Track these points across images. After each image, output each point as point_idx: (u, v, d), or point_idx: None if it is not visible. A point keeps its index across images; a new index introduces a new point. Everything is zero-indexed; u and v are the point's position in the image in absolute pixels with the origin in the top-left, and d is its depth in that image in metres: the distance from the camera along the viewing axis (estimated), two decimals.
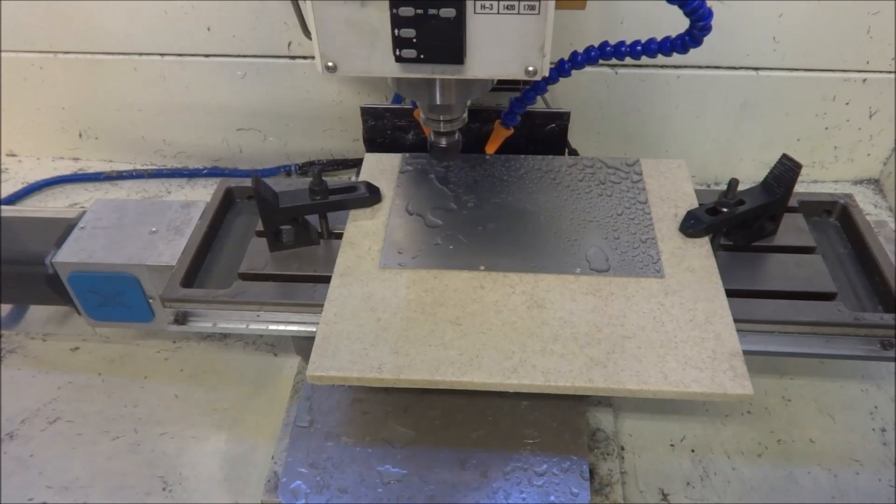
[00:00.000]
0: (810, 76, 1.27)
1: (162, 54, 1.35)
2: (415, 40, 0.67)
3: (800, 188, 0.93)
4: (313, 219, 0.92)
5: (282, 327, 0.88)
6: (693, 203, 0.92)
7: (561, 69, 0.87)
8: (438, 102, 0.80)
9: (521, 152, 1.02)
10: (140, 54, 1.36)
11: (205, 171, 1.51)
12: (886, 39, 1.21)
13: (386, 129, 1.05)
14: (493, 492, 0.84)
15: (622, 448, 0.98)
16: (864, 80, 1.27)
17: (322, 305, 0.79)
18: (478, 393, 0.92)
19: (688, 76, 1.28)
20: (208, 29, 1.30)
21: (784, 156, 0.86)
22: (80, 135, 1.51)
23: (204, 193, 1.46)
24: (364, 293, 0.80)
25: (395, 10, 0.66)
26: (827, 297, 0.85)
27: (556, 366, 0.72)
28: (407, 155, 1.02)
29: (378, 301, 0.79)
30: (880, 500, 0.91)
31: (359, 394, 0.94)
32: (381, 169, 0.99)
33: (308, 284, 0.87)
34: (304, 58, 1.33)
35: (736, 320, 0.76)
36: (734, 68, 1.27)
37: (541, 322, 0.76)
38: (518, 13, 0.66)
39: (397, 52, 0.69)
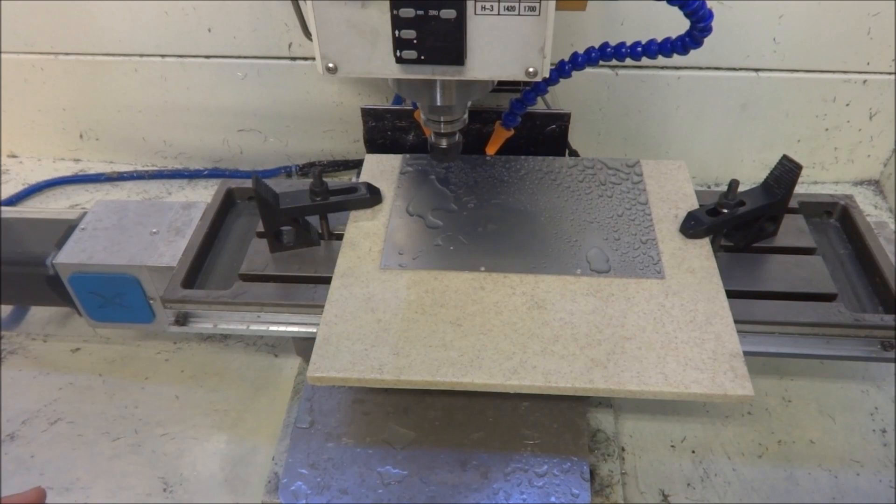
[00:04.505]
0: (810, 77, 1.27)
1: (162, 55, 1.35)
2: (415, 41, 0.68)
3: (800, 189, 0.93)
4: (314, 220, 0.92)
5: (282, 328, 0.88)
6: (693, 204, 0.92)
7: (561, 70, 0.87)
8: (439, 103, 0.80)
9: (521, 153, 1.02)
10: (141, 55, 1.36)
11: (205, 172, 1.51)
12: (886, 40, 1.21)
13: (386, 130, 1.05)
14: (493, 493, 0.84)
15: (623, 449, 0.98)
16: (865, 82, 1.27)
17: (322, 306, 0.79)
18: (478, 394, 0.93)
19: (688, 77, 1.29)
20: (209, 30, 1.30)
21: (784, 157, 0.86)
22: (81, 136, 1.51)
23: (205, 194, 1.46)
24: (364, 294, 0.80)
25: (395, 12, 0.66)
26: (827, 298, 0.85)
27: (556, 367, 0.72)
28: (407, 156, 1.02)
29: (378, 302, 0.79)
30: (880, 500, 0.91)
31: (359, 395, 0.95)
32: (382, 170, 0.99)
33: (308, 285, 0.87)
34: (305, 59, 1.33)
35: (736, 321, 0.76)
36: (734, 69, 1.28)
37: (541, 323, 0.76)
38: (518, 14, 0.66)
39: (398, 54, 0.69)
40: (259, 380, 1.09)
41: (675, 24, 0.78)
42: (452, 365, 0.72)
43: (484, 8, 0.66)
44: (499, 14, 0.66)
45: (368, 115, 1.04)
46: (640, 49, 0.83)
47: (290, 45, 1.31)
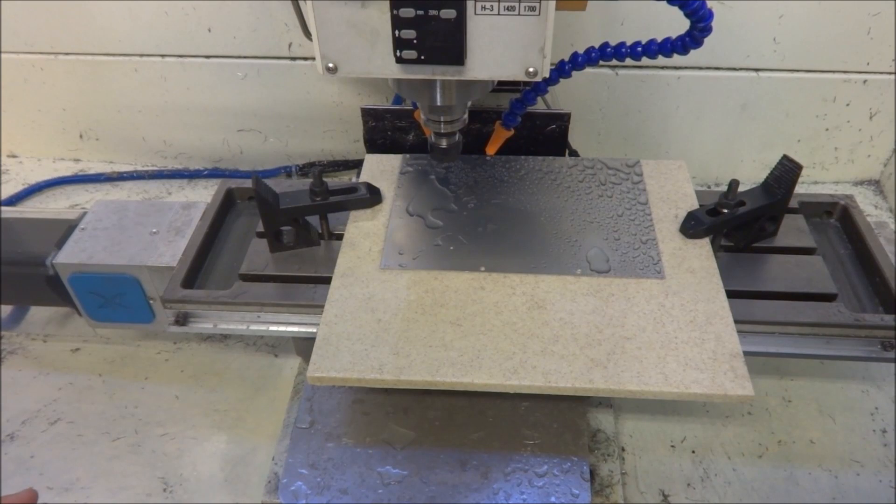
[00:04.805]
0: (810, 77, 1.27)
1: (162, 55, 1.35)
2: (415, 41, 0.68)
3: (800, 189, 0.93)
4: (314, 220, 0.92)
5: (282, 328, 0.88)
6: (693, 204, 0.92)
7: (561, 70, 0.87)
8: (439, 103, 0.80)
9: (521, 153, 1.02)
10: (141, 55, 1.36)
11: (205, 172, 1.51)
12: (887, 40, 1.21)
13: (386, 130, 1.05)
14: (493, 493, 0.84)
15: (623, 449, 0.98)
16: (865, 82, 1.27)
17: (322, 306, 0.79)
18: (478, 394, 0.93)
19: (688, 77, 1.29)
20: (209, 30, 1.30)
21: (784, 157, 0.86)
22: (81, 136, 1.51)
23: (204, 194, 1.46)
24: (364, 294, 0.80)
25: (395, 12, 0.66)
26: (827, 298, 0.85)
27: (556, 367, 0.72)
28: (407, 156, 1.02)
29: (378, 302, 0.79)
30: (881, 500, 0.91)
31: (359, 395, 0.95)
32: (382, 170, 0.99)
33: (308, 285, 0.87)
34: (305, 59, 1.33)
35: (736, 321, 0.76)
36: (734, 69, 1.28)
37: (541, 323, 0.76)
38: (518, 14, 0.66)
39: (398, 54, 0.69)
40: (259, 380, 1.09)
41: (675, 24, 0.78)
42: (452, 365, 0.72)
43: (484, 8, 0.66)
44: (499, 14, 0.66)
45: (368, 115, 1.04)
46: (640, 49, 0.83)
47: (290, 45, 1.31)
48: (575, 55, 0.86)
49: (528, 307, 0.78)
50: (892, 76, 1.26)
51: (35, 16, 1.32)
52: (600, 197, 0.94)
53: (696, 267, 0.83)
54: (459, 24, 0.66)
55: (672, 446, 0.98)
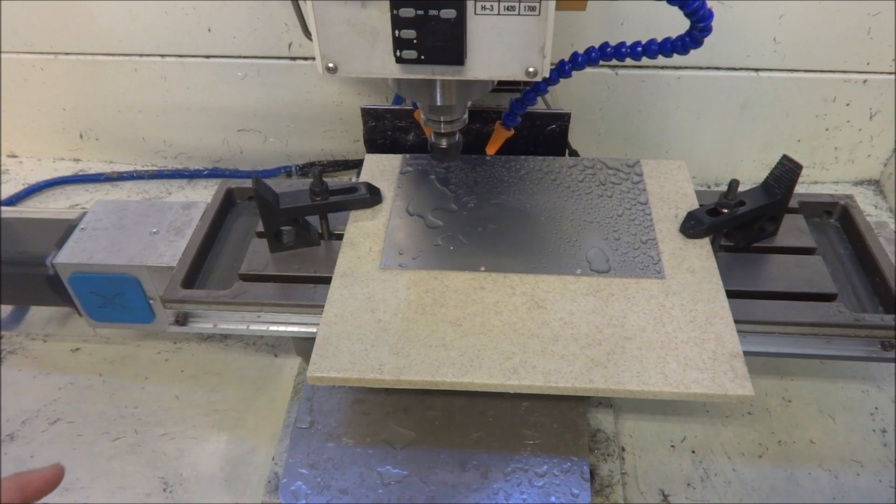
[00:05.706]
0: (811, 77, 1.27)
1: (162, 55, 1.35)
2: (415, 41, 0.68)
3: (800, 189, 0.94)
4: (314, 220, 0.92)
5: (282, 328, 0.88)
6: (693, 204, 0.92)
7: (561, 70, 0.87)
8: (439, 103, 0.80)
9: (521, 153, 1.02)
10: (141, 55, 1.36)
11: (205, 172, 1.51)
12: (887, 40, 1.21)
13: (386, 129, 1.05)
14: (493, 493, 0.84)
15: (623, 449, 0.98)
16: (865, 81, 1.27)
17: (322, 306, 0.79)
18: (478, 394, 0.93)
19: (688, 77, 1.29)
20: (209, 30, 1.30)
21: (784, 157, 0.86)
22: (81, 136, 1.51)
23: (205, 194, 1.46)
24: (364, 294, 0.80)
25: (395, 11, 0.66)
26: (827, 297, 0.84)
27: (556, 367, 0.72)
28: (407, 156, 1.02)
29: (378, 302, 0.79)
30: (881, 500, 0.91)
31: (359, 394, 0.95)
32: (382, 170, 0.99)
33: (308, 285, 0.87)
34: (305, 59, 1.33)
35: (736, 321, 0.76)
36: (734, 69, 1.28)
37: (541, 323, 0.76)
38: (518, 14, 0.66)
39: (398, 53, 0.69)
40: (259, 380, 1.09)
41: (676, 24, 0.78)
42: (452, 365, 0.72)
43: (484, 8, 0.66)
44: (499, 14, 0.66)
45: (368, 115, 1.04)
46: (640, 49, 0.83)
47: (290, 45, 1.31)
48: (575, 55, 0.86)
49: (528, 307, 0.78)
50: (892, 76, 1.26)
51: (35, 16, 1.32)
52: (600, 197, 0.94)
53: (696, 267, 0.83)
54: (459, 24, 0.66)
55: (672, 446, 0.98)
